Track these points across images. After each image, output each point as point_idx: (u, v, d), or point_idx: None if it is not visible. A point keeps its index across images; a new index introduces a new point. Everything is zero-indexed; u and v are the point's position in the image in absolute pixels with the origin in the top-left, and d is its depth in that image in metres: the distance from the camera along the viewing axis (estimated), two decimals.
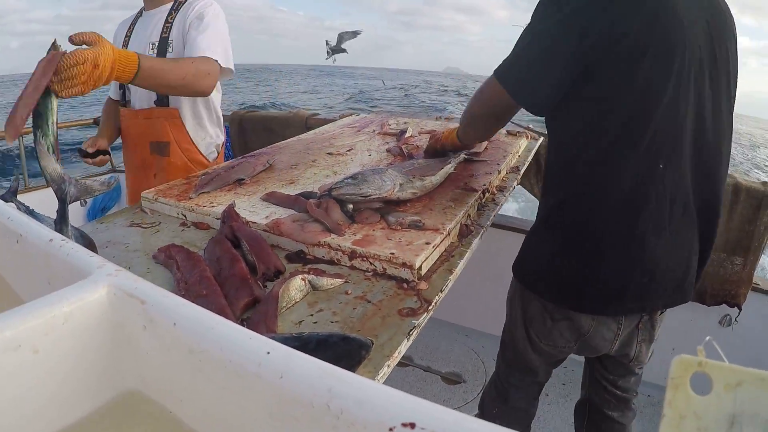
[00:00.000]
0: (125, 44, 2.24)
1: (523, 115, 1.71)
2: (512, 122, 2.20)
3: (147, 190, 1.71)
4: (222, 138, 2.45)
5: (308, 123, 3.35)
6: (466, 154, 1.99)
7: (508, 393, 1.89)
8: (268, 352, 0.39)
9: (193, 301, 1.06)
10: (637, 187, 1.37)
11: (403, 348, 1.02)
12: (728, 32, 1.45)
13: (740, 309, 2.73)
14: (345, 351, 0.83)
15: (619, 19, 1.29)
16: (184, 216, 1.61)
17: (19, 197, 1.49)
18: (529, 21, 1.47)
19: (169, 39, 2.16)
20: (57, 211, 1.24)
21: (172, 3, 2.22)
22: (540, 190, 1.80)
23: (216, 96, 2.34)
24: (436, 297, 1.20)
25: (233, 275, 1.17)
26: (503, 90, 1.48)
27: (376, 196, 1.50)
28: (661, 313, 1.65)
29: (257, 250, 1.28)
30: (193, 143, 2.32)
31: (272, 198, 1.63)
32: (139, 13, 2.31)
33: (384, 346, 0.99)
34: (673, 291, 1.51)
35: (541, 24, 1.42)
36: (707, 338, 0.43)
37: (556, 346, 1.65)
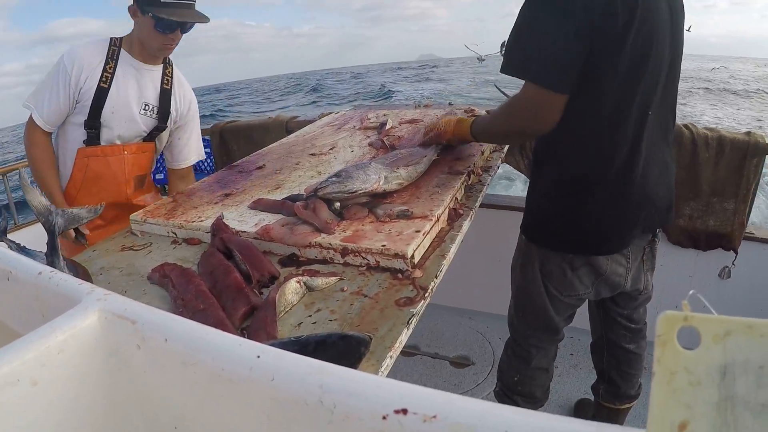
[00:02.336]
0: (106, 82, 2.16)
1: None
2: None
3: (135, 213, 1.71)
4: None
5: (288, 126, 3.34)
6: None
7: (530, 354, 2.00)
8: (258, 356, 0.40)
9: (191, 316, 1.08)
10: (632, 140, 1.59)
11: (404, 337, 1.03)
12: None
13: (736, 252, 2.75)
14: (344, 349, 0.84)
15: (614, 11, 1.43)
16: (175, 234, 1.61)
17: (10, 235, 1.48)
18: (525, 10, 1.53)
19: (171, 108, 2.33)
20: (47, 244, 1.25)
21: (162, 67, 2.30)
22: (532, 160, 1.82)
23: None
24: (432, 283, 1.21)
25: (228, 286, 1.18)
26: (545, 90, 1.51)
27: (363, 191, 1.51)
28: (656, 238, 1.89)
29: (250, 258, 1.29)
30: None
31: (259, 205, 1.63)
32: (115, 53, 2.20)
33: (385, 338, 1.00)
34: (665, 211, 1.77)
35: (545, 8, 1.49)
36: (691, 292, 0.44)
37: (576, 295, 1.80)
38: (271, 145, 2.42)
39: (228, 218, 1.54)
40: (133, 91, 2.22)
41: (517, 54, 1.54)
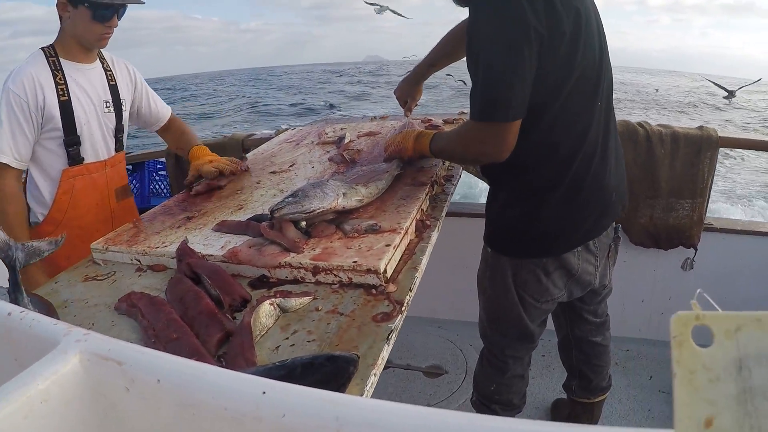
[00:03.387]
0: (64, 94, 2.06)
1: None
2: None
3: (95, 241, 1.66)
4: None
5: (245, 145, 3.29)
6: None
7: (506, 364, 2.01)
8: (264, 392, 0.38)
9: (164, 347, 1.04)
10: (585, 139, 1.64)
11: (386, 354, 1.02)
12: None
13: (696, 249, 2.82)
14: (333, 370, 0.82)
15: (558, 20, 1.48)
16: (139, 261, 1.56)
17: None
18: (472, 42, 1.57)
19: (121, 99, 2.27)
20: (9, 280, 1.19)
21: (99, 62, 2.23)
22: (486, 173, 1.84)
23: None
24: (407, 297, 1.21)
25: (200, 312, 1.15)
26: (497, 124, 1.53)
27: (320, 210, 1.48)
28: (619, 235, 1.95)
29: (219, 283, 1.26)
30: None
31: (224, 227, 1.60)
32: (55, 63, 2.08)
33: (366, 356, 0.98)
34: (622, 199, 1.84)
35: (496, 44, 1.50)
36: (698, 291, 0.44)
37: (552, 299, 1.83)
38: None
39: (192, 242, 1.51)
40: (91, 95, 2.15)
41: (471, 97, 1.57)
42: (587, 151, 1.66)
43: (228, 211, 1.77)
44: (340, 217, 1.53)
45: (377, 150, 2.19)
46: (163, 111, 2.53)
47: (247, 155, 2.54)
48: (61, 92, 2.04)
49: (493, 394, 2.07)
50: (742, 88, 29.21)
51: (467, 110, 2.68)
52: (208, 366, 0.42)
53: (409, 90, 2.36)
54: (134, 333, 1.20)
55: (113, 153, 2.27)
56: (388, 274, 1.27)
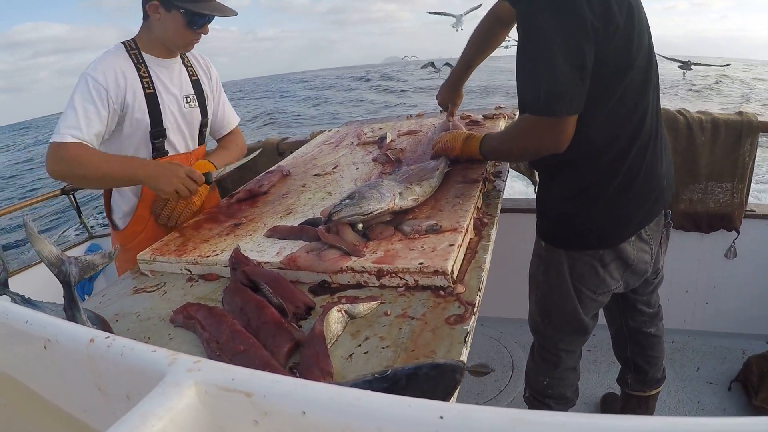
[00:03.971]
0: (149, 86, 2.06)
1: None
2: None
3: (142, 252, 1.62)
4: None
5: (280, 148, 3.26)
6: None
7: (559, 358, 1.98)
8: (441, 417, 0.32)
9: (230, 360, 1.00)
10: (641, 130, 1.63)
11: (464, 356, 0.97)
12: None
13: (738, 232, 2.75)
14: (439, 379, 0.77)
15: (611, 13, 1.45)
16: (189, 270, 1.53)
17: None
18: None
19: (204, 92, 2.28)
20: (64, 297, 1.16)
21: (179, 58, 2.23)
22: (542, 166, 1.80)
23: None
24: (477, 297, 1.16)
25: (266, 323, 1.10)
26: (557, 118, 1.51)
27: (379, 211, 1.43)
28: (670, 221, 1.93)
29: (281, 291, 1.21)
30: None
31: (276, 232, 1.55)
32: (137, 56, 2.07)
33: (443, 359, 0.93)
34: (671, 186, 1.82)
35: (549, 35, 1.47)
36: None
37: (609, 290, 1.82)
38: (269, 169, 2.33)
39: (245, 249, 1.47)
40: (174, 89, 2.15)
41: (527, 93, 1.59)
42: (642, 142, 1.64)
43: (277, 216, 1.73)
44: (397, 218, 1.48)
45: (420, 148, 2.15)
46: (231, 118, 2.49)
47: (285, 160, 2.50)
48: (146, 85, 2.03)
49: (546, 389, 2.05)
50: (703, 66, 30.44)
51: (504, 104, 2.64)
52: (358, 391, 0.36)
53: (449, 95, 2.33)
54: (194, 346, 1.16)
55: (197, 146, 2.27)
56: (455, 275, 1.22)
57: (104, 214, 2.32)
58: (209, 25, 2.07)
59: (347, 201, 1.45)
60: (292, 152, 2.71)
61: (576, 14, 1.41)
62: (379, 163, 2.08)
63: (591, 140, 1.59)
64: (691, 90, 32.63)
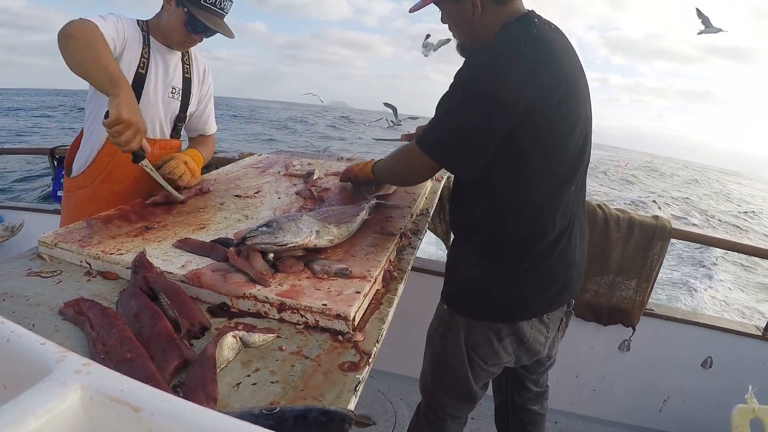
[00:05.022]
0: (143, 66, 2.16)
1: None
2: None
3: (45, 234, 1.55)
4: None
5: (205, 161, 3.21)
6: (376, 198, 1.98)
7: (444, 422, 1.99)
8: None
9: (115, 366, 0.96)
10: (566, 209, 1.69)
11: (353, 405, 0.97)
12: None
13: (634, 329, 2.90)
14: (327, 425, 0.77)
15: (538, 91, 1.52)
16: (89, 264, 1.47)
17: None
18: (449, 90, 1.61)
19: (191, 92, 2.38)
20: None
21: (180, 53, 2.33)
22: (456, 229, 1.85)
23: None
24: (374, 348, 1.17)
25: (157, 334, 1.07)
26: (432, 160, 1.63)
27: (293, 245, 1.43)
28: (571, 309, 1.96)
29: (179, 305, 1.18)
30: None
31: (186, 245, 1.52)
32: (146, 38, 2.18)
33: (333, 406, 0.93)
34: (581, 277, 1.89)
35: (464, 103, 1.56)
36: (751, 387, 0.55)
37: (500, 363, 1.84)
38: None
39: (151, 255, 1.43)
40: (163, 77, 2.24)
41: (431, 135, 1.64)
42: (562, 225, 1.69)
43: (189, 228, 1.69)
44: (309, 255, 1.49)
45: (345, 192, 2.17)
46: (210, 126, 2.60)
47: (208, 174, 2.46)
48: (141, 65, 2.14)
49: None
50: None
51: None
52: (250, 426, 0.36)
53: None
54: (79, 344, 1.11)
55: (167, 137, 2.32)
56: (356, 322, 1.23)
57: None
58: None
59: (264, 228, 1.44)
60: (216, 167, 2.68)
61: (506, 89, 1.50)
62: (302, 198, 2.09)
63: (512, 208, 1.66)
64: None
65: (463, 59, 1.65)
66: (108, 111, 1.72)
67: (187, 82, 2.34)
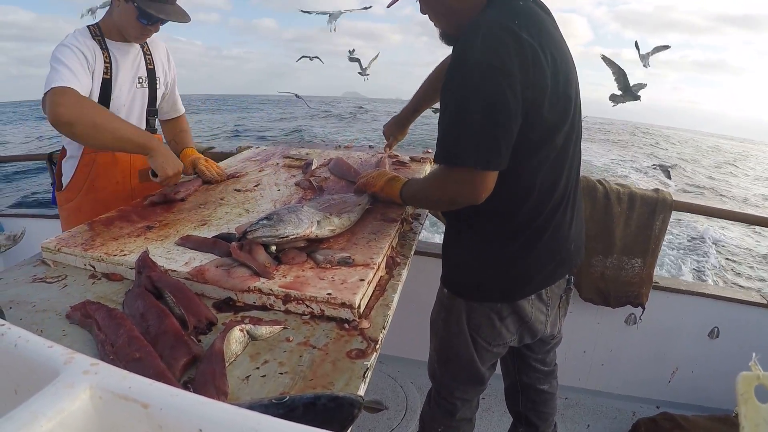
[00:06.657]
0: (107, 72, 2.17)
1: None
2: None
3: (48, 240, 1.56)
4: None
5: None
6: None
7: (455, 407, 1.99)
8: None
9: (125, 366, 0.97)
10: (556, 190, 1.66)
11: (362, 392, 0.98)
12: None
13: (644, 308, 2.90)
14: (336, 411, 0.78)
15: (541, 73, 1.47)
16: (93, 267, 1.47)
17: None
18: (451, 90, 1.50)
19: (156, 76, 2.41)
20: None
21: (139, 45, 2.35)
22: (452, 214, 1.82)
23: None
24: (381, 335, 1.18)
25: (165, 332, 1.08)
26: (468, 169, 1.48)
27: (294, 236, 1.44)
28: (571, 286, 1.93)
29: (184, 302, 1.19)
30: None
31: (188, 242, 1.53)
32: (101, 42, 2.18)
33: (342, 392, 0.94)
34: (579, 251, 1.87)
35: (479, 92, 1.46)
36: (754, 355, 0.52)
37: (504, 343, 1.83)
38: (189, 177, 2.29)
39: (154, 254, 1.43)
40: (128, 74, 2.26)
41: (449, 144, 1.51)
42: (556, 201, 1.67)
43: (191, 225, 1.70)
44: (311, 246, 1.49)
45: (344, 181, 2.17)
46: (180, 105, 2.67)
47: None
48: (105, 70, 2.15)
49: None
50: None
51: (432, 150, 2.70)
52: (256, 414, 0.36)
53: (395, 130, 2.48)
54: (88, 346, 1.12)
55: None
56: (361, 310, 1.24)
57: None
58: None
59: (264, 221, 1.45)
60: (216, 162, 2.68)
61: (504, 70, 1.41)
62: (301, 188, 2.09)
63: (506, 194, 1.58)
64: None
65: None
66: (152, 170, 1.95)
67: (151, 73, 2.38)
